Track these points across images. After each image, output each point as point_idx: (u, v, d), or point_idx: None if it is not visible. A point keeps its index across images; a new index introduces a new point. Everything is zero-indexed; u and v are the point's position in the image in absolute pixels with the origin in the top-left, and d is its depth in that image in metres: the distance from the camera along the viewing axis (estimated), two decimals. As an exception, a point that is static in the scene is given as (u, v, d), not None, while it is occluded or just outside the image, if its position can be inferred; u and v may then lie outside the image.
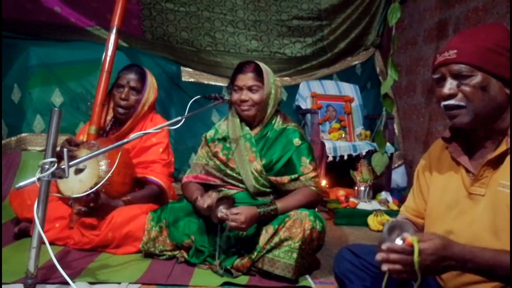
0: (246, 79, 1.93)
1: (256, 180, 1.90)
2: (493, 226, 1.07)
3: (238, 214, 1.68)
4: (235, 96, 1.96)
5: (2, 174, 2.86)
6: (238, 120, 2.00)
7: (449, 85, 1.12)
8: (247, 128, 1.99)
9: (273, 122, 2.00)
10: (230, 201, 1.76)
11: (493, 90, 1.10)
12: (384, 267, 0.99)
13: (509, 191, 1.05)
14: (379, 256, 1.00)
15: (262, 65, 1.97)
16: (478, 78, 1.09)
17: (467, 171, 1.17)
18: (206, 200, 1.77)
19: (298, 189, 1.87)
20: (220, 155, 1.99)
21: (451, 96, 1.12)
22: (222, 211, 1.71)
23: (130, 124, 2.28)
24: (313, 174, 1.90)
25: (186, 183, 2.05)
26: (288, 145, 1.94)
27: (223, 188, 1.98)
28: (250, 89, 1.93)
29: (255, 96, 1.93)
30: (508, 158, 1.09)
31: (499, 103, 1.11)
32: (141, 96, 2.28)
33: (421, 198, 1.31)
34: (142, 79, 2.30)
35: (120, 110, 2.27)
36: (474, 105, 1.10)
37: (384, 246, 1.00)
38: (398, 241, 1.01)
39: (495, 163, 1.11)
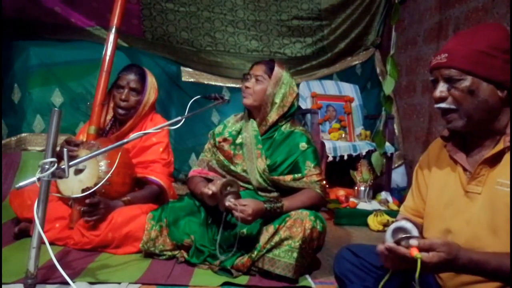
0: (257, 68, 1.99)
1: (260, 175, 1.92)
2: (491, 225, 1.07)
3: (246, 206, 1.69)
4: (243, 84, 2.01)
5: (2, 174, 2.86)
6: (247, 114, 2.05)
7: (440, 88, 1.15)
8: (254, 125, 2.01)
9: (282, 125, 2.01)
10: (236, 190, 1.77)
11: (483, 94, 1.10)
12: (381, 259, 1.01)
13: (508, 189, 1.05)
14: (380, 248, 1.00)
15: (279, 64, 2.01)
16: (467, 82, 1.10)
17: (464, 169, 1.17)
18: (211, 188, 1.77)
19: (303, 190, 1.88)
20: (226, 149, 2.01)
21: (441, 99, 1.14)
22: (230, 201, 1.71)
23: (130, 124, 2.27)
24: (317, 178, 1.90)
25: (191, 177, 2.07)
26: (294, 148, 1.94)
27: None
28: (256, 78, 1.97)
29: (257, 87, 1.95)
30: (506, 157, 1.09)
31: (490, 106, 1.11)
32: (141, 97, 2.28)
33: (420, 197, 1.31)
34: (142, 79, 2.30)
35: (120, 111, 2.27)
36: (464, 108, 1.12)
37: (387, 246, 0.99)
38: (403, 245, 0.99)
39: (492, 162, 1.11)
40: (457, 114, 1.13)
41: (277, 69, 1.98)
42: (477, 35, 1.14)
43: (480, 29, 1.19)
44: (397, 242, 1.00)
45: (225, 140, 2.05)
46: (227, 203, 1.71)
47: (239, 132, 2.04)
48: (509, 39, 1.13)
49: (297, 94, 2.03)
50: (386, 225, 2.71)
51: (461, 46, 1.12)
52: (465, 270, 1.00)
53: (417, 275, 0.95)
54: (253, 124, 2.01)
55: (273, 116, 1.98)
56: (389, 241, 1.02)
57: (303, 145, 1.94)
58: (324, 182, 1.96)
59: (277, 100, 1.97)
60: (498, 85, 1.10)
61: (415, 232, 1.02)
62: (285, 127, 2.01)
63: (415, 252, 0.96)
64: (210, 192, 1.75)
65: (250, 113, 2.04)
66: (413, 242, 0.98)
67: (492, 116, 1.12)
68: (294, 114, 2.05)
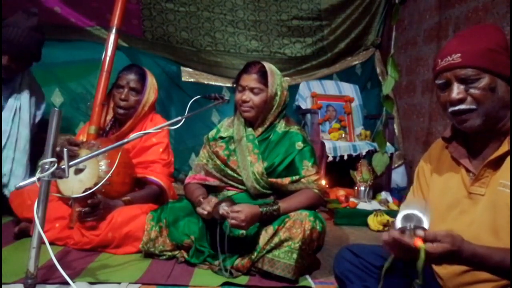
0: (250, 79, 1.92)
1: (257, 182, 1.90)
2: (493, 226, 1.07)
3: (239, 212, 1.67)
4: (238, 96, 1.95)
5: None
6: (242, 121, 2.00)
7: (457, 90, 1.11)
8: (250, 129, 1.98)
9: (277, 125, 1.99)
10: (231, 200, 1.76)
11: (501, 90, 1.10)
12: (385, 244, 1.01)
13: (509, 190, 1.05)
14: (385, 237, 0.99)
15: (268, 66, 1.95)
16: (486, 80, 1.09)
17: (467, 170, 1.17)
18: (206, 207, 1.76)
19: (300, 191, 1.86)
20: (221, 154, 1.99)
21: (461, 101, 1.11)
22: (224, 208, 1.70)
23: (130, 124, 2.28)
24: (315, 177, 1.89)
25: (187, 184, 2.05)
26: (290, 148, 1.92)
27: (223, 192, 1.99)
28: (252, 90, 1.91)
29: (256, 99, 1.91)
30: (508, 158, 1.09)
31: (506, 102, 1.11)
32: (141, 97, 2.28)
33: (421, 197, 1.31)
34: (142, 79, 2.30)
35: (120, 111, 2.27)
36: (484, 107, 1.09)
37: (392, 235, 0.97)
38: (408, 235, 0.97)
39: (496, 164, 1.11)
40: (475, 114, 1.10)
41: (270, 74, 1.92)
42: (480, 34, 1.13)
43: (479, 28, 1.19)
44: (402, 231, 0.98)
45: (218, 144, 2.02)
46: (221, 211, 1.70)
47: (232, 137, 2.00)
48: (505, 38, 1.13)
49: (287, 89, 2.00)
50: (386, 225, 2.71)
51: (471, 45, 1.11)
52: (468, 262, 1.00)
53: (421, 265, 0.93)
54: (248, 129, 1.98)
55: (271, 119, 1.97)
56: (398, 227, 1.00)
57: (299, 144, 1.93)
58: (323, 181, 1.94)
59: (276, 103, 1.96)
60: (508, 82, 1.10)
61: (425, 220, 0.99)
62: (280, 127, 1.98)
63: (419, 243, 0.94)
64: (205, 212, 1.76)
65: (246, 119, 1.99)
66: (419, 232, 0.96)
67: (504, 114, 1.11)
68: (285, 107, 2.01)
